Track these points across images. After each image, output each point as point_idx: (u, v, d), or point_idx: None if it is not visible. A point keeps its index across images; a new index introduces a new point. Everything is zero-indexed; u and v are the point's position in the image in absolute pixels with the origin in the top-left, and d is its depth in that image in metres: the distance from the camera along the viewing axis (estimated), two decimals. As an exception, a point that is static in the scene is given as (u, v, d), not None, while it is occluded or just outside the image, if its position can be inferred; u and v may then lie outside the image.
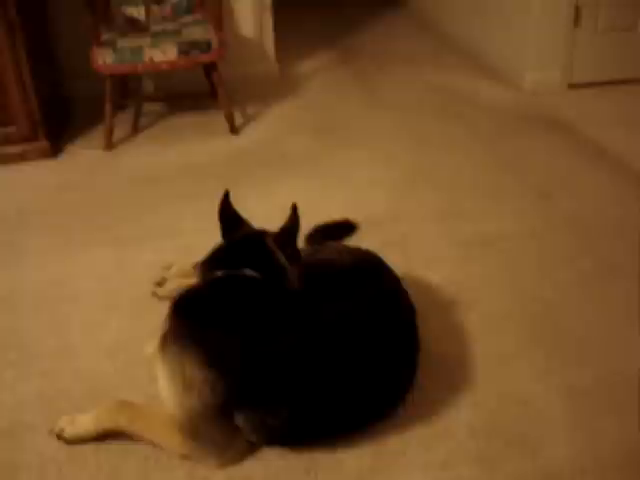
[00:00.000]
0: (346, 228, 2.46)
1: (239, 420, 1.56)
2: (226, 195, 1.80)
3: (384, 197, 2.83)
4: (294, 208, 1.72)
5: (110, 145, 3.40)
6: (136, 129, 3.67)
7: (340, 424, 1.63)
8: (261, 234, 1.78)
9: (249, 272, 1.67)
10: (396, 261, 2.01)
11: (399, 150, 3.30)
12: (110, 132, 3.39)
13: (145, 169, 3.20)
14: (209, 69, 3.53)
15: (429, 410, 1.73)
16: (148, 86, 4.16)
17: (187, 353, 1.57)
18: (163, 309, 1.71)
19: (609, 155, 3.15)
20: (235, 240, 1.78)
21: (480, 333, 1.99)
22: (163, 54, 3.27)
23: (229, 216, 1.81)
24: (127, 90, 3.93)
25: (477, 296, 2.17)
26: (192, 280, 1.90)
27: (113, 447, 1.66)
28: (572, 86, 4.02)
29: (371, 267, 1.92)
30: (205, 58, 3.35)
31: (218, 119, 3.56)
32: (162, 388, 1.63)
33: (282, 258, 1.71)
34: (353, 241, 2.35)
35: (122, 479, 1.59)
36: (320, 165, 3.08)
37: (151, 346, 1.89)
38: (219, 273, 1.70)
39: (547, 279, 2.26)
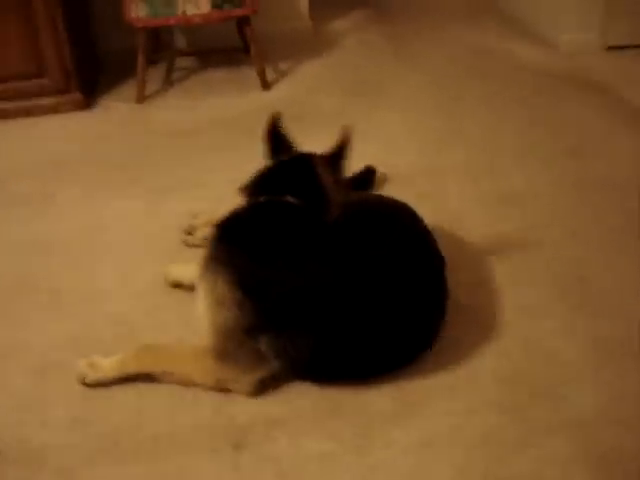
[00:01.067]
0: (368, 177, 2.44)
1: (264, 344, 1.58)
2: (276, 117, 1.80)
3: (415, 153, 2.81)
4: (346, 131, 1.74)
5: (142, 98, 3.42)
6: (168, 83, 3.68)
7: (365, 365, 1.65)
8: (309, 157, 1.78)
9: (291, 199, 1.67)
10: (426, 214, 1.98)
11: (431, 108, 3.27)
12: (143, 85, 3.40)
13: (177, 122, 3.22)
14: (242, 23, 3.52)
15: (454, 358, 1.73)
16: (180, 40, 4.16)
17: (221, 273, 1.61)
18: (192, 256, 1.73)
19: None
20: (282, 163, 1.78)
21: (508, 286, 1.98)
22: (196, 7, 3.26)
23: (277, 136, 1.80)
24: (159, 44, 3.93)
25: (506, 250, 2.15)
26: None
27: (139, 385, 1.69)
28: (609, 48, 3.94)
29: (405, 214, 1.91)
30: (238, 12, 3.34)
31: (250, 74, 3.55)
32: (197, 307, 1.67)
33: (328, 185, 1.71)
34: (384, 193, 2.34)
35: (148, 416, 1.62)
36: (352, 122, 3.05)
37: (174, 268, 1.98)
38: (261, 198, 1.71)
39: (576, 235, 2.23)
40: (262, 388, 1.64)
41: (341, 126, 1.83)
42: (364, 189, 2.35)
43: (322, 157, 1.77)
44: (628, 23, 3.88)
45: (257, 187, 1.75)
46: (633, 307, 1.91)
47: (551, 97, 3.35)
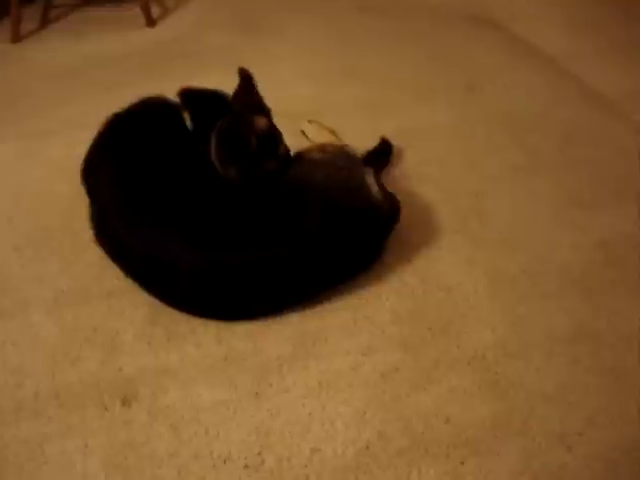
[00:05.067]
0: (385, 150, 2.28)
1: None
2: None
3: (310, 90, 2.72)
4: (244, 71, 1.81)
5: (17, 37, 3.18)
6: (46, 22, 3.44)
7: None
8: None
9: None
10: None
11: (324, 45, 3.17)
12: (17, 23, 3.17)
13: (56, 62, 3.00)
14: (123, -44, 3.31)
15: (352, 298, 1.68)
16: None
17: None
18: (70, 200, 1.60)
19: (542, 54, 3.09)
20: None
21: (406, 224, 1.93)
22: (72, -63, 3.04)
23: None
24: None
25: (405, 186, 2.10)
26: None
27: (18, 342, 1.58)
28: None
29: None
30: (118, -57, 3.14)
31: (134, 11, 3.36)
32: None
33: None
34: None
35: (28, 374, 1.51)
36: (241, 58, 2.87)
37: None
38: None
39: (475, 169, 2.21)
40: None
41: (238, 68, 1.81)
42: (383, 164, 2.20)
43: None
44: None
45: None
46: (530, 241, 1.90)
47: (448, 34, 3.30)
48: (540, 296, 1.71)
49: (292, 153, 1.87)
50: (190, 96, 1.83)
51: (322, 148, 1.94)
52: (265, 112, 1.84)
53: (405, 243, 1.87)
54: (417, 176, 2.17)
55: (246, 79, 1.83)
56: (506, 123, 2.49)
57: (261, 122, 1.78)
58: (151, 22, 3.33)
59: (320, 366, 1.51)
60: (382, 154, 2.20)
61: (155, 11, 3.44)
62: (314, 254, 1.59)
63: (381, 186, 1.80)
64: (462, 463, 1.33)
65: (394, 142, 2.25)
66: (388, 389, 1.46)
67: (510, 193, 2.10)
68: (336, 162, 1.83)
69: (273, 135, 1.80)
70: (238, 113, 1.76)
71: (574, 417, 1.41)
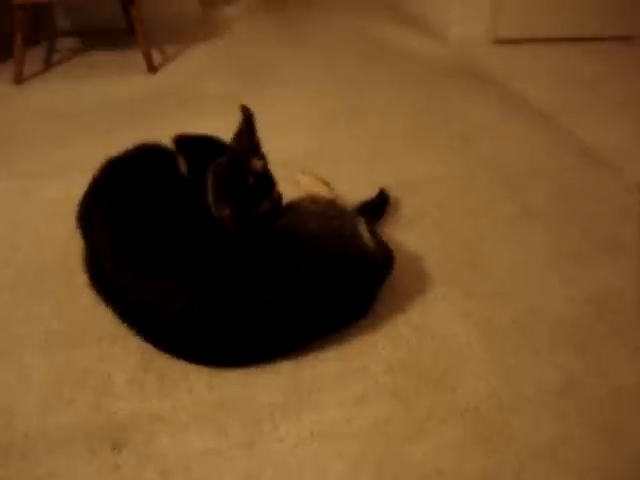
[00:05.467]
0: (382, 201, 2.29)
1: None
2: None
3: (306, 137, 2.75)
4: (245, 109, 1.84)
5: (20, 79, 3.22)
6: (49, 65, 3.50)
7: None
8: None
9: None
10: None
11: (323, 93, 3.22)
12: (21, 65, 3.21)
13: (57, 105, 3.04)
14: (127, 4, 3.36)
15: (345, 348, 1.68)
16: (63, 21, 3.96)
17: None
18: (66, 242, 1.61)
19: (532, 107, 3.15)
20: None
21: (400, 273, 1.94)
22: (77, -17, 3.09)
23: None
24: (39, 24, 3.72)
25: (400, 234, 2.12)
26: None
27: (10, 382, 1.56)
28: (498, 41, 4.02)
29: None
30: (122, -10, 3.19)
31: (135, 57, 3.42)
32: None
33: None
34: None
35: (18, 414, 1.49)
36: (239, 104, 3.00)
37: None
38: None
39: (469, 218, 2.23)
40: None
41: (239, 105, 1.85)
42: (379, 214, 2.21)
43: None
44: (515, 17, 3.97)
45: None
46: (523, 292, 1.91)
47: (440, 86, 3.36)
48: (532, 349, 1.71)
49: (284, 202, 1.90)
50: (185, 142, 1.86)
51: (313, 199, 1.96)
52: (261, 155, 1.87)
53: (399, 292, 1.87)
54: (412, 226, 2.19)
55: (248, 117, 1.86)
56: (501, 175, 2.52)
57: (257, 163, 1.81)
58: (152, 69, 3.37)
59: (313, 416, 1.49)
60: (379, 204, 2.22)
61: (156, 58, 3.49)
62: (308, 301, 1.59)
63: (374, 235, 1.81)
64: (453, 517, 1.32)
65: (390, 192, 2.27)
66: (381, 441, 1.44)
67: (504, 244, 2.12)
68: (327, 212, 1.85)
69: (268, 176, 1.83)
70: (237, 152, 1.78)
71: (565, 476, 1.39)
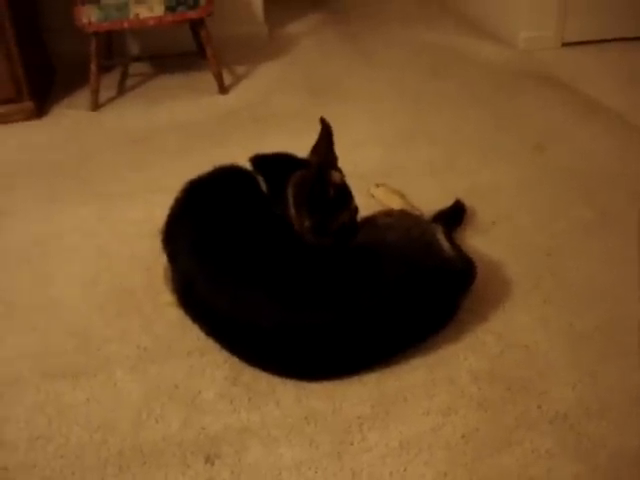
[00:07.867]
0: (458, 211, 2.27)
1: None
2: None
3: (378, 152, 2.77)
4: (324, 122, 1.89)
5: (96, 105, 3.32)
6: (122, 90, 3.59)
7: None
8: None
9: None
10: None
11: (392, 108, 3.23)
12: (96, 92, 3.30)
13: (132, 128, 3.13)
14: (196, 27, 3.44)
15: (430, 357, 1.69)
16: (134, 46, 4.07)
17: None
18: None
19: (603, 110, 3.10)
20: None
21: (480, 283, 1.93)
22: (149, 10, 3.18)
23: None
24: (112, 51, 3.84)
25: (474, 245, 2.11)
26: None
27: (102, 400, 1.61)
28: (566, 44, 3.97)
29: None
30: (192, 14, 3.26)
31: (206, 78, 3.48)
32: None
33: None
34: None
35: (112, 432, 1.54)
36: (312, 122, 3.00)
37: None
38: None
39: (544, 227, 2.21)
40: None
41: (320, 118, 1.90)
42: (456, 223, 2.20)
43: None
44: (582, 20, 3.92)
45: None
46: (604, 298, 1.89)
47: (511, 93, 3.34)
48: (617, 354, 1.69)
49: (359, 217, 1.92)
50: (262, 161, 1.89)
51: (388, 213, 1.97)
52: (339, 168, 1.91)
53: (479, 301, 1.87)
54: (488, 234, 2.19)
55: (327, 130, 1.90)
56: (575, 180, 2.49)
57: (337, 176, 1.84)
58: (223, 89, 3.44)
59: (400, 426, 1.50)
60: (455, 213, 2.21)
61: (227, 78, 3.55)
62: (393, 312, 1.61)
63: (453, 243, 1.81)
64: (548, 526, 1.31)
65: (465, 202, 2.27)
66: (469, 450, 1.45)
67: (582, 250, 2.10)
68: (404, 223, 1.86)
69: (346, 189, 1.85)
70: (319, 164, 1.80)
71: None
